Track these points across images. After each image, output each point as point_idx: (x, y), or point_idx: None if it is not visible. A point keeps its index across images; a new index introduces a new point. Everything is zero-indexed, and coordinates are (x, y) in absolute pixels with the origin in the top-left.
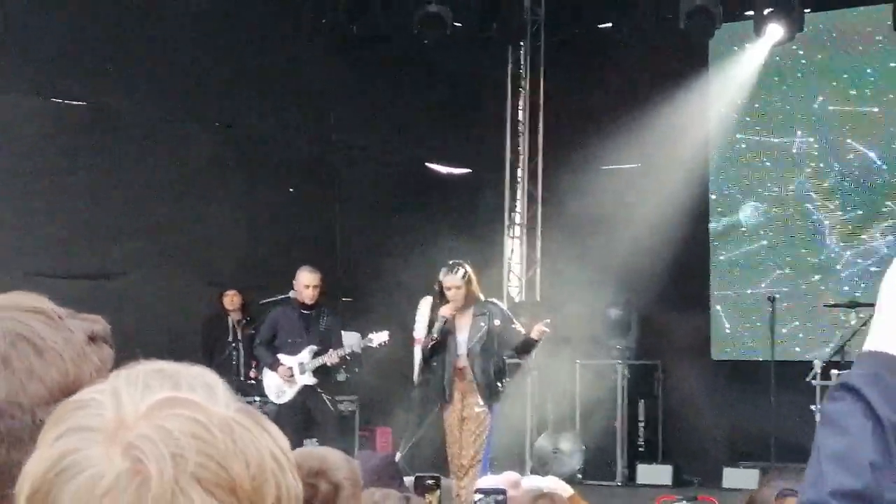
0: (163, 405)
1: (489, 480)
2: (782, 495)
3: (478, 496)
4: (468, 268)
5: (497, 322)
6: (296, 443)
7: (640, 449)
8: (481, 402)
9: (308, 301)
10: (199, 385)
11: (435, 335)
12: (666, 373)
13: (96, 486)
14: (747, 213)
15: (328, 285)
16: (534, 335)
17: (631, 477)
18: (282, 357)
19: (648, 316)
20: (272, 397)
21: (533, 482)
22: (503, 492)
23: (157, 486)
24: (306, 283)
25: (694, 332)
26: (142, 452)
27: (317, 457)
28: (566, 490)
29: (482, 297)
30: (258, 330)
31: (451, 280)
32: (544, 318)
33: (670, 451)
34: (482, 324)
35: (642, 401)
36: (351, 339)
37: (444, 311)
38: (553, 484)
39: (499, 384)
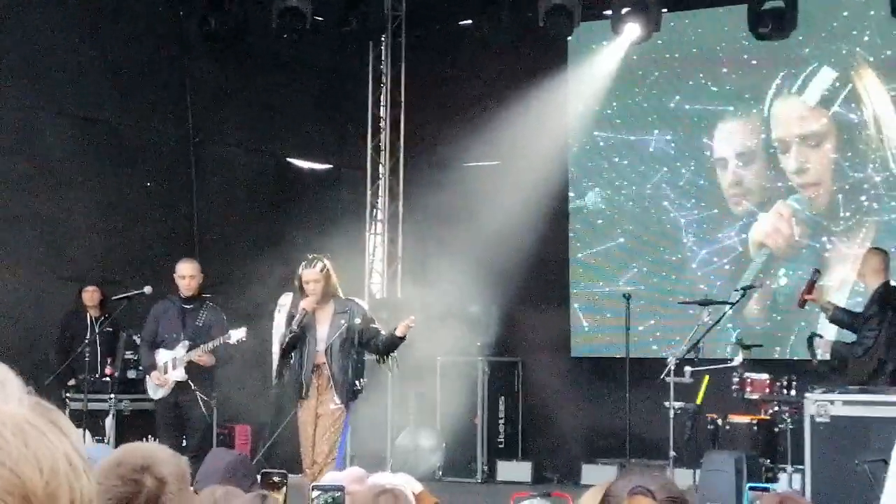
0: None
1: (333, 477)
2: (633, 492)
3: (315, 493)
4: (327, 262)
5: (357, 320)
6: (170, 439)
7: (500, 446)
8: (337, 401)
9: (184, 292)
10: None
11: (294, 328)
12: (526, 369)
13: None
14: (592, 199)
15: None
16: (398, 332)
17: (491, 474)
18: (160, 352)
19: (509, 313)
20: (151, 393)
21: (378, 478)
22: (341, 488)
23: None
24: (181, 273)
25: (554, 329)
26: None
27: (142, 452)
28: (415, 486)
29: (341, 295)
30: (116, 326)
31: (310, 273)
32: (406, 314)
33: (530, 448)
34: (342, 321)
35: (503, 398)
36: (238, 334)
37: (305, 303)
38: (403, 480)
39: (357, 383)
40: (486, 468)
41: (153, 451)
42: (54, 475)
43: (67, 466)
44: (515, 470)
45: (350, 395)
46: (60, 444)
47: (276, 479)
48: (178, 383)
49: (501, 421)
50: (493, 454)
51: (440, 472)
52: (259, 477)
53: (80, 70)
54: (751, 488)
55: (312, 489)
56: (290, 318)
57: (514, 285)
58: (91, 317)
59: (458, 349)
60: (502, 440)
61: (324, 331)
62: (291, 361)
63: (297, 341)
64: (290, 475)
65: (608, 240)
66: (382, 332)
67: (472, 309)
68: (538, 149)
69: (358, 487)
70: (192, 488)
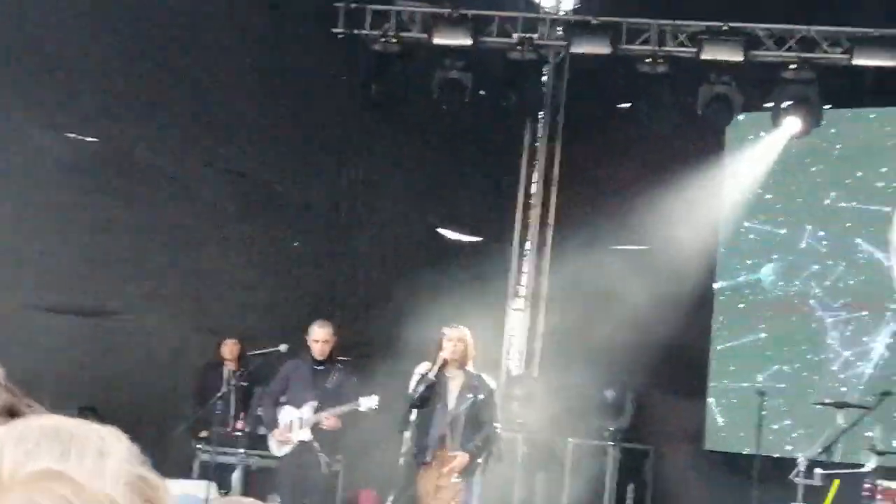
0: (40, 477)
1: None
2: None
3: None
4: (467, 331)
5: (481, 396)
6: (291, 499)
7: None
8: (458, 475)
9: (317, 356)
10: (91, 453)
11: (431, 377)
12: (657, 458)
13: None
14: (737, 290)
15: None
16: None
17: None
18: (286, 409)
19: (643, 400)
20: (273, 450)
21: None
22: None
23: None
24: (315, 337)
25: (688, 420)
26: None
27: None
28: None
29: (473, 369)
30: (251, 381)
31: (453, 332)
32: (540, 392)
33: None
34: (469, 395)
35: (632, 485)
36: (369, 402)
37: (443, 353)
38: None
39: (479, 459)
40: None
41: None
42: None
43: None
44: None
45: (471, 469)
46: None
47: None
48: (302, 443)
49: None
50: None
51: None
52: None
53: (236, 125)
54: None
55: None
56: (423, 376)
57: (652, 373)
58: (228, 370)
59: (590, 432)
60: None
61: (452, 401)
62: (416, 426)
63: (430, 395)
64: None
65: (750, 333)
66: (496, 425)
67: (607, 393)
68: (687, 236)
69: None
70: None
